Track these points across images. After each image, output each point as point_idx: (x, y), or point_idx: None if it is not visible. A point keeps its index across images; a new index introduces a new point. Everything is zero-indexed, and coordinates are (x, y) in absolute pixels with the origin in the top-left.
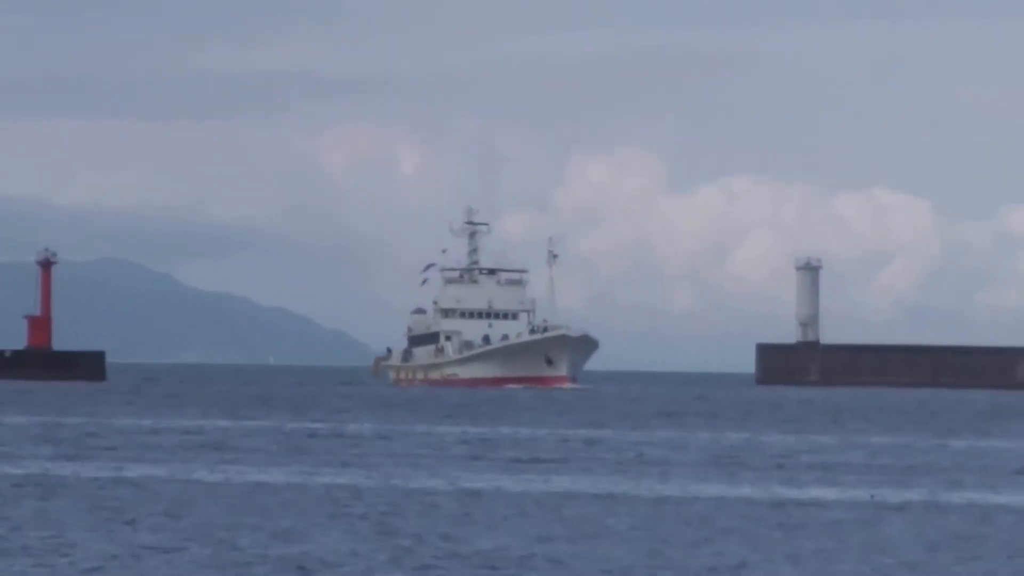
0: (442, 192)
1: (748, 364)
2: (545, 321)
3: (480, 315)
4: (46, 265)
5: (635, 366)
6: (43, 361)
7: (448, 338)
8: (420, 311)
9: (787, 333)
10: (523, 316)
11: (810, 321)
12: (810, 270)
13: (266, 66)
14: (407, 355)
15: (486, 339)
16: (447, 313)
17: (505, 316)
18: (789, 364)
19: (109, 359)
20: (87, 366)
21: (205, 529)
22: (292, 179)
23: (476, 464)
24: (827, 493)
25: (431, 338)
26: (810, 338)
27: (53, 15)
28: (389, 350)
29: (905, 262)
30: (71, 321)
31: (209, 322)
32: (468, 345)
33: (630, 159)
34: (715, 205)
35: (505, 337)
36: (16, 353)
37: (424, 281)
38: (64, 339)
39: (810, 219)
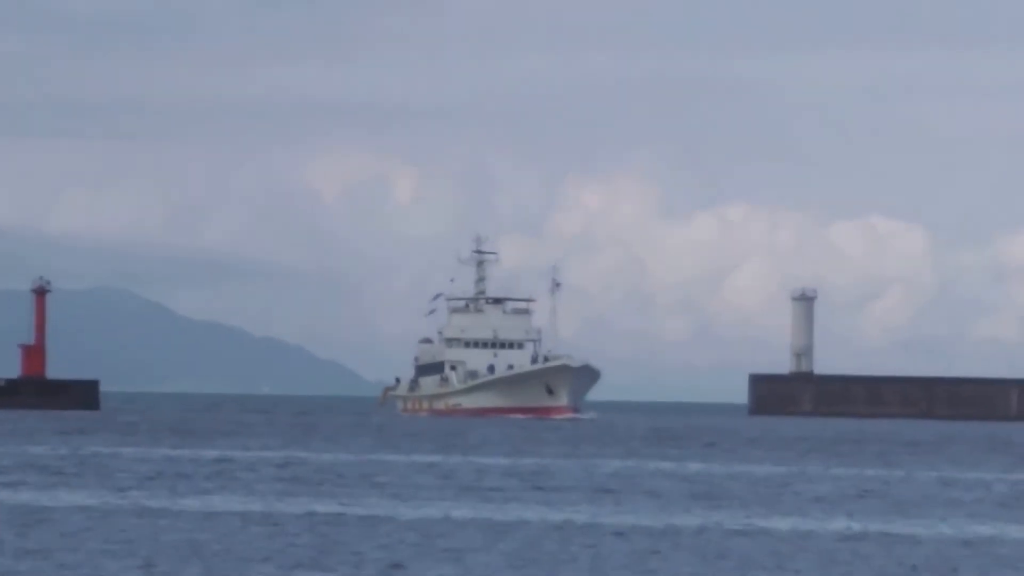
0: (436, 220)
1: (741, 394)
2: (550, 350)
3: (485, 344)
4: (40, 293)
5: (627, 396)
6: (37, 389)
7: (453, 368)
8: (427, 340)
9: (781, 362)
10: (529, 346)
11: (804, 351)
12: (805, 300)
13: (259, 91)
14: (414, 385)
15: (491, 369)
16: (452, 342)
17: (511, 345)
18: (782, 395)
19: (102, 388)
20: (80, 395)
21: None
22: (286, 207)
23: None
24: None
25: (437, 368)
26: (804, 368)
27: (43, 37)
28: (397, 380)
29: (900, 291)
30: (65, 349)
31: (202, 351)
32: (473, 375)
33: (625, 186)
34: (710, 233)
35: (510, 367)
36: (9, 382)
37: (432, 311)
38: (58, 367)
39: (805, 247)
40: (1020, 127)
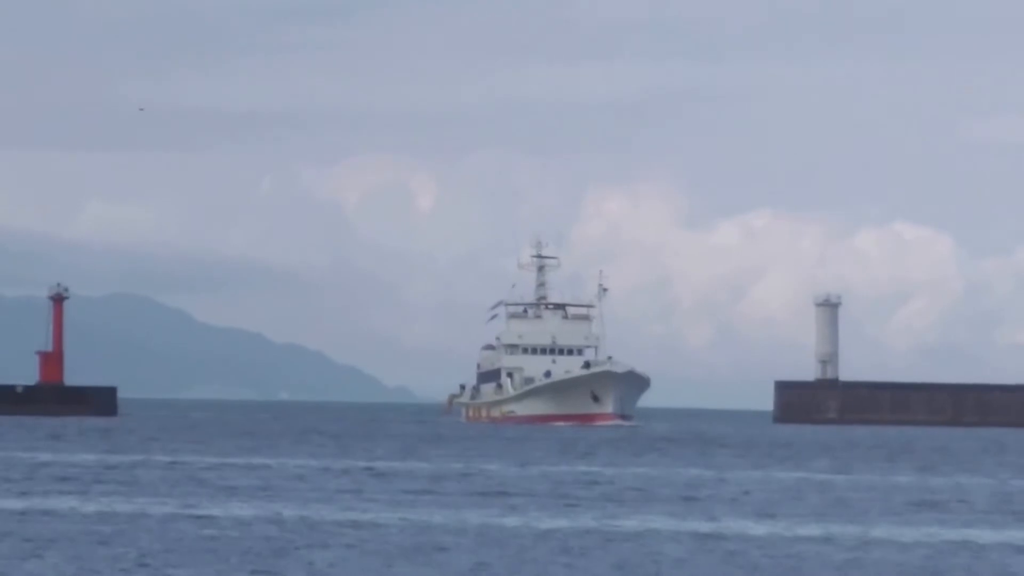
0: (457, 227)
1: (766, 401)
2: (610, 358)
3: (543, 351)
4: (58, 300)
5: (651, 402)
6: (55, 396)
7: (510, 374)
8: (490, 347)
9: (806, 370)
10: (589, 352)
11: (829, 358)
12: (829, 307)
13: (280, 100)
14: (475, 392)
15: (547, 375)
16: (511, 349)
17: (570, 352)
18: (807, 402)
19: (120, 394)
20: (98, 401)
21: None
22: (306, 214)
23: None
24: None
25: (495, 374)
26: (829, 375)
27: (62, 46)
28: (462, 387)
29: (925, 299)
30: (83, 356)
31: (221, 358)
32: (529, 381)
33: (648, 194)
34: (734, 240)
35: (568, 373)
36: (28, 388)
37: (493, 317)
38: (76, 374)
39: (830, 254)
40: None
